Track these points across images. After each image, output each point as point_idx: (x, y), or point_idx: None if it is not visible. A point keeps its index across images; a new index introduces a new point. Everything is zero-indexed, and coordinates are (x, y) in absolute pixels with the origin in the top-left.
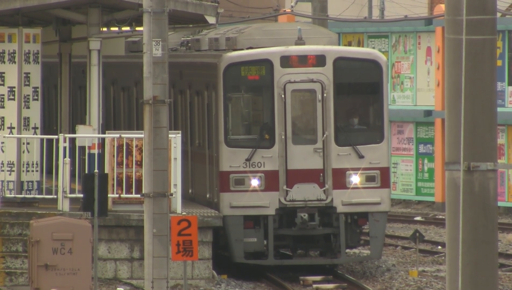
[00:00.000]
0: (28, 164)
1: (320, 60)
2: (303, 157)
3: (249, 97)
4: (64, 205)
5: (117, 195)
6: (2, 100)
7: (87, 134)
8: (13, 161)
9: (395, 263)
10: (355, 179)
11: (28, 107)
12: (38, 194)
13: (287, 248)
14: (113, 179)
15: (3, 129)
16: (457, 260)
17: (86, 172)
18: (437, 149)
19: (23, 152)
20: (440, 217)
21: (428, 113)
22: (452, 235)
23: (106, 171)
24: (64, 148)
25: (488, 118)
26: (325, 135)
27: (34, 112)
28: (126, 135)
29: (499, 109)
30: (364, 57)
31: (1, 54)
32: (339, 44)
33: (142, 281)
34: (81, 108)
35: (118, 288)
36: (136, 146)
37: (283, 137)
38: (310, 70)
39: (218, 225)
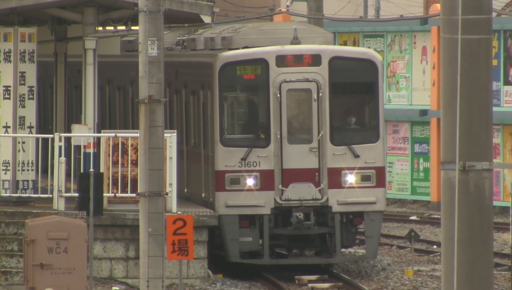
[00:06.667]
0: (23, 163)
1: (315, 59)
2: (299, 157)
3: (245, 97)
4: (59, 204)
5: (113, 194)
6: None
7: (82, 133)
8: (8, 160)
9: (391, 263)
10: (351, 178)
11: (23, 106)
12: (34, 193)
13: (282, 247)
14: (109, 178)
15: None
16: (452, 260)
17: (82, 171)
18: (433, 148)
19: (19, 151)
20: (436, 216)
21: (424, 112)
22: (448, 235)
23: (101, 170)
24: (60, 147)
25: (483, 117)
26: (320, 135)
27: (30, 111)
28: (122, 134)
29: (494, 109)
30: (360, 57)
31: None
32: (334, 44)
33: (137, 280)
34: (77, 107)
35: (113, 288)
36: (132, 145)
37: (278, 136)
38: (306, 70)
39: (213, 225)
